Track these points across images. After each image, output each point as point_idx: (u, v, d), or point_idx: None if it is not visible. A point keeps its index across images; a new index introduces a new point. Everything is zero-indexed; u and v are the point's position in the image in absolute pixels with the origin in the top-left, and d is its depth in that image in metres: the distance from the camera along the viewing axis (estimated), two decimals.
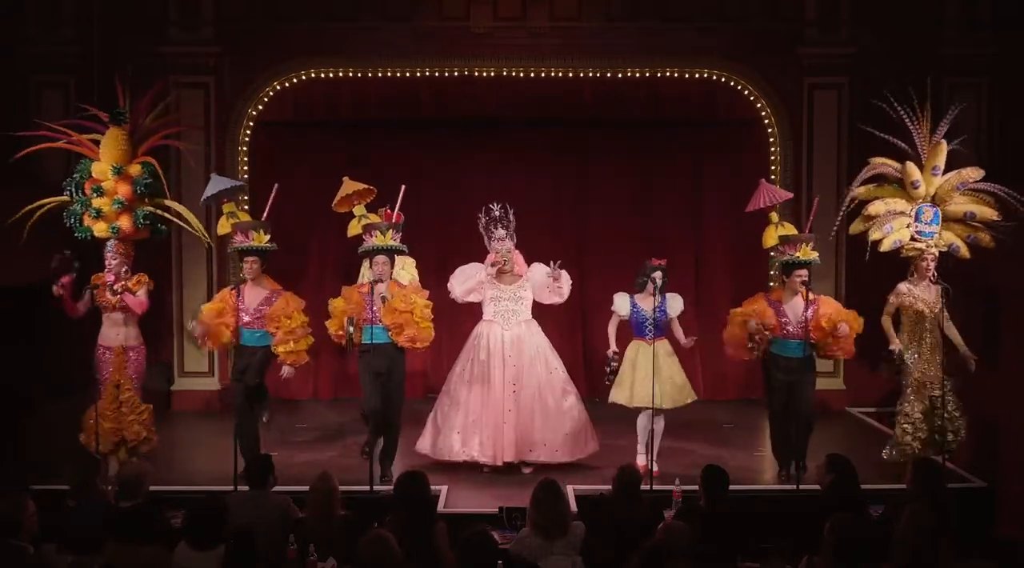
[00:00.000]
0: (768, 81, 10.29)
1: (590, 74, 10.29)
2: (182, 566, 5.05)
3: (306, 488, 5.82)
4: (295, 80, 10.27)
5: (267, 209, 7.97)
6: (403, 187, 8.09)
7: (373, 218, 8.35)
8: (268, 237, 7.70)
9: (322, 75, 10.27)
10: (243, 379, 7.67)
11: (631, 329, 8.00)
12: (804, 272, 7.64)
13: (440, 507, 7.00)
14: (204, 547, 5.03)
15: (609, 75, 10.29)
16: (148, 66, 9.87)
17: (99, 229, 7.83)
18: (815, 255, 7.73)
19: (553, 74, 10.29)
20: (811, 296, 7.59)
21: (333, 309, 7.82)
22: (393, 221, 8.00)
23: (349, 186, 8.52)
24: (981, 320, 8.64)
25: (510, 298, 8.12)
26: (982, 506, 7.41)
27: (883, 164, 8.06)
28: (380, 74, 10.27)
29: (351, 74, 10.27)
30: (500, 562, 5.11)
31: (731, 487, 5.85)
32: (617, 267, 10.56)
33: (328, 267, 10.68)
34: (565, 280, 8.15)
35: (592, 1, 10.28)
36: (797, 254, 7.67)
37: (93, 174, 7.84)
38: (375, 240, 7.76)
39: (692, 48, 10.24)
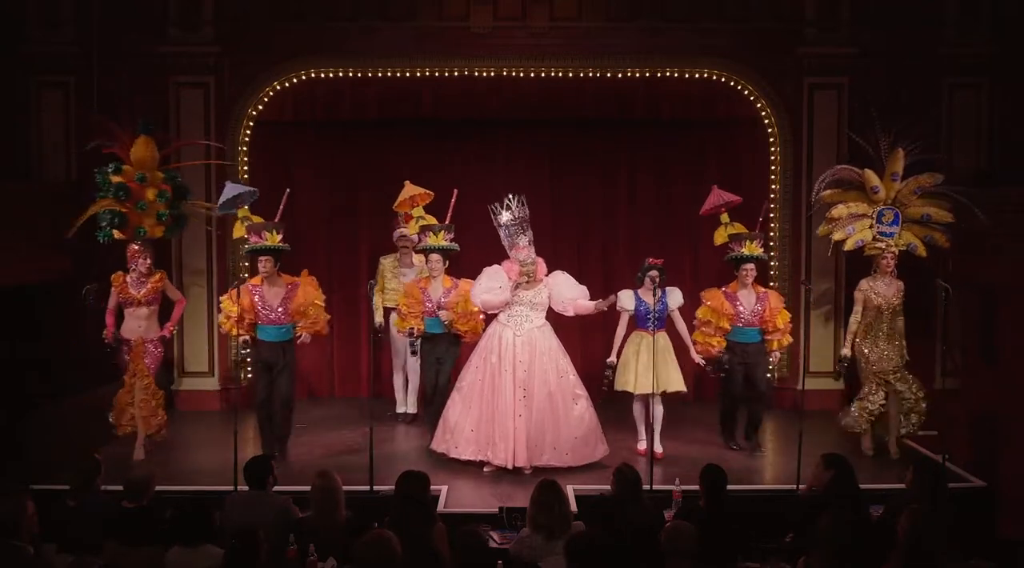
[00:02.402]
0: (768, 81, 10.28)
1: (590, 74, 10.28)
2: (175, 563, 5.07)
3: (307, 488, 5.82)
4: (295, 80, 10.27)
5: (280, 211, 8.41)
6: (455, 192, 8.52)
7: (430, 220, 9.08)
8: (281, 237, 8.17)
9: (322, 75, 10.26)
10: (275, 380, 8.17)
11: (635, 321, 8.41)
12: (750, 266, 8.46)
13: (440, 507, 7.01)
14: (190, 543, 5.07)
15: (609, 75, 10.28)
16: (148, 66, 9.92)
17: (167, 232, 8.76)
18: (760, 251, 8.63)
19: (553, 74, 10.29)
20: (762, 291, 8.60)
21: (400, 306, 8.72)
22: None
23: (410, 189, 9.14)
24: (981, 320, 8.65)
25: (526, 303, 8.13)
26: (982, 506, 7.42)
27: (844, 169, 8.87)
28: (380, 74, 10.26)
29: (351, 74, 10.26)
30: (500, 562, 5.13)
31: (731, 487, 5.85)
32: (617, 266, 10.60)
33: (329, 265, 10.66)
34: (583, 303, 8.25)
35: (592, 1, 10.26)
36: (743, 250, 8.49)
37: (148, 179, 8.49)
38: (429, 240, 8.60)
39: (692, 48, 10.22)
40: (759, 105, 10.34)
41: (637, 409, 8.52)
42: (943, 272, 8.48)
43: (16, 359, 8.77)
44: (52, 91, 9.95)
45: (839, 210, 8.75)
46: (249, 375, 10.02)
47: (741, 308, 8.47)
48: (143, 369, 8.26)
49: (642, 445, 8.37)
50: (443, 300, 8.47)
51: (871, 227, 8.64)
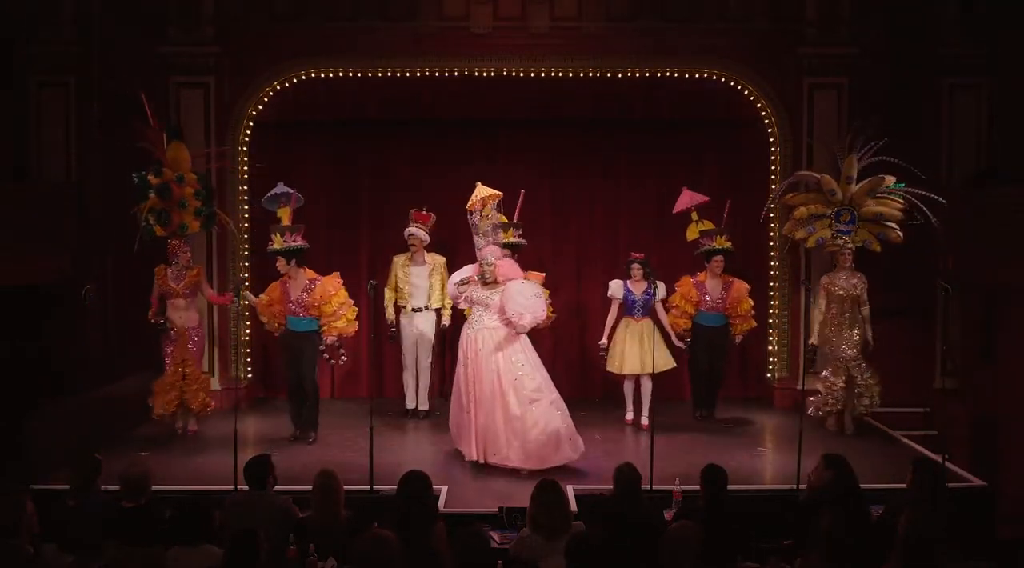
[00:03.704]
0: (768, 81, 10.27)
1: (590, 74, 10.27)
2: (175, 563, 5.07)
3: (307, 488, 5.81)
4: (295, 80, 10.26)
5: (290, 212, 8.83)
6: (522, 192, 8.65)
7: (500, 219, 9.14)
8: (291, 237, 8.71)
9: (322, 75, 10.26)
10: (297, 368, 8.81)
11: (624, 309, 9.36)
12: (719, 258, 9.41)
13: (440, 507, 6.99)
14: (190, 543, 5.08)
15: (609, 75, 10.27)
16: (148, 66, 9.91)
17: (202, 227, 9.31)
18: (728, 244, 9.43)
19: (553, 74, 10.28)
20: (729, 280, 9.48)
21: None
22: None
23: (481, 190, 9.24)
24: (981, 320, 8.66)
25: (481, 303, 8.18)
26: (982, 506, 7.42)
27: (804, 174, 9.66)
28: (380, 74, 10.25)
29: (351, 74, 10.26)
30: (500, 562, 5.12)
31: (731, 487, 5.85)
32: (617, 265, 10.57)
33: (329, 265, 10.62)
34: (526, 320, 8.03)
35: (592, 1, 10.26)
36: (713, 244, 9.40)
37: (185, 179, 8.98)
38: (501, 237, 9.06)
39: (692, 48, 10.22)
40: (759, 105, 10.34)
41: (626, 387, 9.51)
42: (943, 272, 8.49)
43: (16, 359, 8.77)
44: (52, 91, 9.94)
45: (800, 211, 9.44)
46: (249, 375, 10.13)
47: (707, 296, 9.43)
48: (189, 357, 8.90)
49: (629, 416, 9.51)
50: None
51: (830, 226, 9.31)
